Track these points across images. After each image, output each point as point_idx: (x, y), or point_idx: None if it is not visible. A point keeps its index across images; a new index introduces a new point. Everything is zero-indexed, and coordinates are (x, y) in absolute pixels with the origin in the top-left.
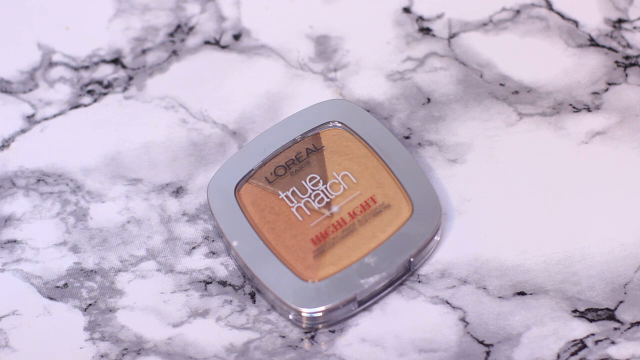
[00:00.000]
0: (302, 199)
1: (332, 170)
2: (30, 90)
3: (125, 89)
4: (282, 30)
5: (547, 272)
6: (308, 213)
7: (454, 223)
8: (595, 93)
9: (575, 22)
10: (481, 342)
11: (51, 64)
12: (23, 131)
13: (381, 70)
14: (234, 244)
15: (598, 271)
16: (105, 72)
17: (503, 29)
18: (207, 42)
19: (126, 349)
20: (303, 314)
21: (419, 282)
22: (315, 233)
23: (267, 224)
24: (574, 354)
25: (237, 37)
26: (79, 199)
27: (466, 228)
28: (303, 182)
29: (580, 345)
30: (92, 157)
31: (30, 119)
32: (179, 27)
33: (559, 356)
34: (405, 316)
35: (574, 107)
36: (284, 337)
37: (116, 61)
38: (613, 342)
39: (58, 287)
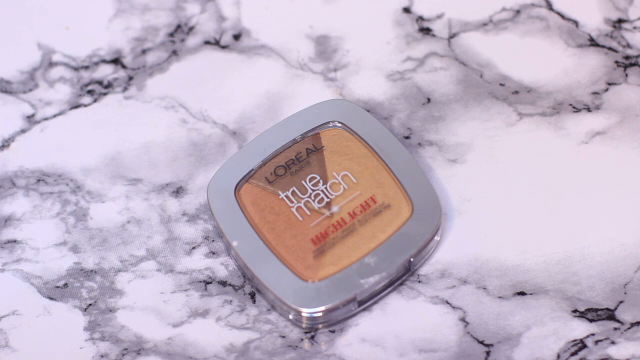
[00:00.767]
0: (302, 199)
1: (332, 170)
2: (30, 90)
3: (125, 89)
4: (282, 30)
5: (547, 272)
6: (308, 213)
7: (454, 223)
8: (595, 93)
9: (575, 22)
10: (481, 342)
11: (51, 64)
12: (23, 131)
13: (381, 70)
14: (234, 244)
15: (598, 271)
16: (105, 72)
17: (503, 29)
18: (207, 42)
19: (126, 349)
20: (303, 314)
21: (419, 282)
22: (315, 233)
23: (267, 224)
24: (574, 354)
25: (237, 37)
26: (79, 199)
27: (466, 228)
28: (303, 182)
29: (580, 345)
30: (92, 157)
31: (30, 119)
32: (179, 27)
33: (559, 356)
34: (405, 316)
35: (574, 107)
36: (284, 337)
37: (116, 61)
38: (613, 342)
39: (58, 287)
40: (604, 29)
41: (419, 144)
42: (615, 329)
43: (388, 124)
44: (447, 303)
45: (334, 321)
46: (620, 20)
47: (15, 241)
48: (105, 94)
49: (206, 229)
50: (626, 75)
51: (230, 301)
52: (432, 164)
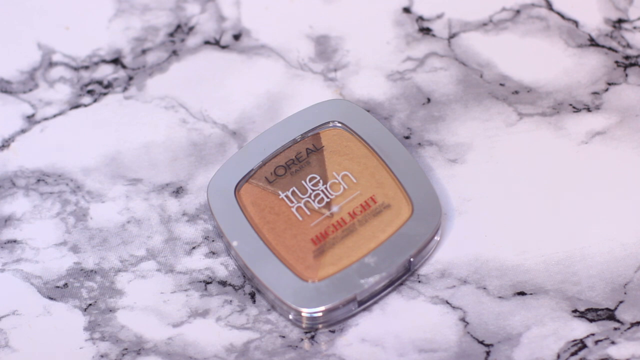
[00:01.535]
0: (302, 199)
1: (332, 170)
2: (30, 90)
3: (125, 89)
4: (282, 30)
5: (547, 272)
6: (308, 213)
7: (454, 223)
8: (595, 93)
9: (575, 22)
10: (481, 342)
11: (51, 64)
12: (23, 131)
13: (381, 70)
14: (234, 244)
15: (598, 271)
16: (105, 72)
17: (503, 29)
18: (207, 42)
19: (126, 349)
20: (303, 314)
21: (419, 282)
22: (315, 233)
23: (267, 224)
24: (574, 354)
25: (237, 37)
26: (79, 199)
27: (466, 228)
28: (303, 182)
29: (580, 345)
30: (92, 157)
31: (30, 119)
32: (179, 27)
33: (559, 356)
34: (405, 316)
35: (574, 107)
36: (284, 337)
37: (116, 61)
38: (613, 342)
39: (58, 287)
40: (604, 29)
41: (419, 144)
42: (615, 329)
43: (388, 124)
44: (447, 303)
45: (334, 321)
46: (620, 20)
47: (15, 241)
48: (105, 94)
49: (206, 229)
50: (626, 75)
51: (230, 301)
52: (432, 164)
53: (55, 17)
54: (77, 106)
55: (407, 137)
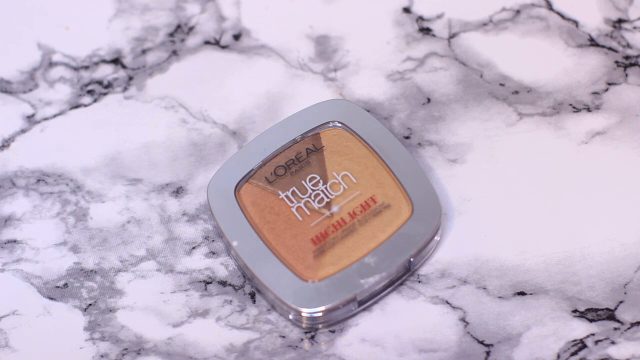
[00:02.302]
0: (302, 199)
1: (332, 170)
2: (30, 90)
3: (125, 89)
4: (282, 30)
5: (547, 272)
6: (308, 213)
7: (454, 223)
8: (595, 93)
9: (575, 22)
10: (481, 342)
11: (51, 64)
12: (23, 131)
13: (381, 70)
14: (234, 244)
15: (598, 271)
16: (105, 72)
17: (503, 29)
18: (207, 42)
19: (126, 349)
20: (303, 314)
21: (419, 282)
22: (315, 233)
23: (267, 224)
24: (574, 354)
25: (237, 37)
26: (79, 199)
27: (466, 228)
28: (303, 182)
29: (580, 345)
30: (92, 157)
31: (30, 119)
32: (179, 27)
33: (559, 356)
34: (405, 316)
35: (574, 107)
36: (284, 337)
37: (116, 61)
38: (613, 342)
39: (58, 287)
40: (604, 29)
41: (419, 144)
42: (615, 329)
43: (388, 124)
44: (447, 303)
45: (334, 321)
46: (620, 20)
47: (15, 241)
48: (105, 94)
49: (206, 229)
50: (626, 75)
51: (230, 301)
52: (432, 164)
53: (55, 17)
54: (77, 106)
55: (407, 137)
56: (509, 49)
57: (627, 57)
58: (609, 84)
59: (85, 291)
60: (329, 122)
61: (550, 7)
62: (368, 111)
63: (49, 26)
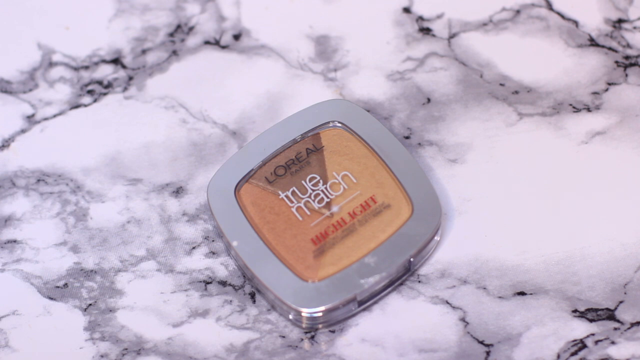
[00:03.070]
0: (302, 199)
1: (332, 170)
2: (30, 90)
3: (125, 89)
4: (282, 30)
5: (547, 272)
6: (308, 213)
7: (454, 223)
8: (595, 93)
9: (575, 22)
10: (481, 342)
11: (51, 64)
12: (23, 131)
13: (381, 70)
14: (234, 244)
15: (598, 271)
16: (105, 72)
17: (503, 29)
18: (207, 42)
19: (126, 349)
20: (303, 314)
21: (419, 282)
22: (315, 233)
23: (267, 224)
24: (574, 354)
25: (237, 37)
26: (79, 199)
27: (466, 228)
28: (303, 182)
29: (580, 345)
30: (92, 157)
31: (30, 119)
32: (179, 27)
33: (559, 356)
34: (405, 316)
35: (574, 107)
36: (284, 337)
37: (116, 61)
38: (613, 342)
39: (58, 287)
40: (604, 29)
41: (419, 144)
42: (615, 329)
43: (388, 124)
44: (447, 303)
45: (334, 321)
46: (620, 20)
47: (15, 241)
48: (105, 94)
49: (206, 229)
50: (626, 75)
51: (230, 301)
52: (432, 164)
53: (55, 17)
54: (77, 106)
55: (407, 137)
56: (509, 49)
57: (627, 57)
58: (609, 84)
59: (85, 291)
60: (329, 122)
61: (550, 7)
62: (368, 111)
63: (49, 26)
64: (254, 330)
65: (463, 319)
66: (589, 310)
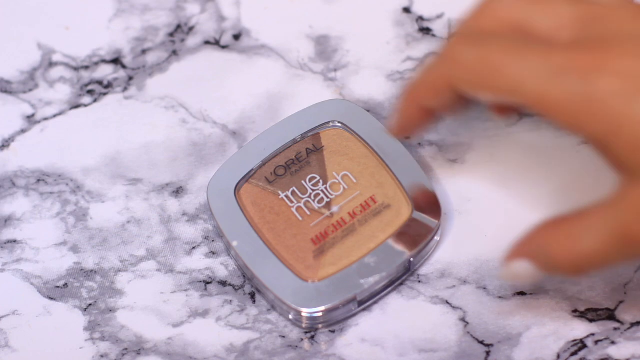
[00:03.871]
0: (302, 199)
1: (332, 170)
2: (30, 90)
3: (125, 89)
4: (282, 30)
5: None
6: (308, 213)
7: (454, 223)
8: None
9: None
10: (481, 342)
11: (51, 64)
12: (23, 131)
13: (381, 70)
14: (234, 244)
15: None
16: (105, 72)
17: None
18: (207, 42)
19: (126, 349)
20: (303, 314)
21: (419, 282)
22: (315, 233)
23: (267, 224)
24: (574, 354)
25: (237, 37)
26: (79, 199)
27: (466, 228)
28: (303, 182)
29: (580, 345)
30: (92, 157)
31: (30, 119)
32: (179, 27)
33: (559, 356)
34: (405, 316)
35: None
36: (284, 337)
37: (116, 61)
38: (613, 342)
39: (58, 287)
40: None
41: (419, 144)
42: (616, 329)
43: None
44: (447, 303)
45: (334, 321)
46: None
47: (15, 241)
48: (105, 94)
49: (206, 229)
50: None
51: (230, 301)
52: (432, 164)
53: (55, 17)
54: (77, 106)
55: (407, 137)
56: None
57: None
58: None
59: (85, 291)
60: (329, 122)
61: None
62: (368, 111)
63: (49, 26)
64: (254, 330)
65: (463, 319)
66: (589, 310)
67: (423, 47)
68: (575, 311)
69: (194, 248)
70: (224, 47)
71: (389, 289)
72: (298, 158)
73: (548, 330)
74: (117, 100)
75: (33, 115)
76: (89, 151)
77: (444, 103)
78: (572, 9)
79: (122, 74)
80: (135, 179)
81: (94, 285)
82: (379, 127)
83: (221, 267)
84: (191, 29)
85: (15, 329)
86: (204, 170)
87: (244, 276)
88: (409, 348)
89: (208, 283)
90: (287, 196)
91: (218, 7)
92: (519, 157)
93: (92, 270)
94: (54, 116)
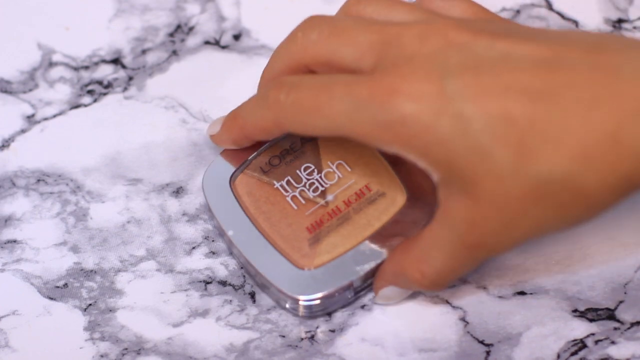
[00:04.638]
0: (297, 188)
1: (327, 160)
2: (30, 90)
3: (125, 89)
4: (282, 30)
5: (547, 271)
6: (303, 202)
7: None
8: None
9: (575, 22)
10: (481, 342)
11: (51, 64)
12: (23, 131)
13: None
14: (230, 233)
15: (598, 271)
16: (105, 72)
17: None
18: (207, 42)
19: (126, 348)
20: (300, 302)
21: None
22: (310, 222)
23: (262, 214)
24: (574, 353)
25: (237, 37)
26: (79, 199)
27: None
28: (298, 171)
29: (580, 345)
30: (92, 157)
31: (30, 119)
32: (179, 27)
33: (559, 356)
34: (405, 316)
35: None
36: (284, 336)
37: (116, 61)
38: (613, 342)
39: (58, 287)
40: (604, 29)
41: None
42: (616, 328)
43: None
44: (447, 302)
45: (331, 309)
46: (620, 20)
47: (15, 241)
48: (105, 94)
49: (206, 229)
50: None
51: (230, 301)
52: None
53: (55, 17)
54: (77, 106)
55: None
56: None
57: None
58: None
59: (85, 291)
60: None
61: (550, 7)
62: None
63: (49, 26)
64: (254, 330)
65: (463, 319)
66: (589, 310)
67: None
68: (575, 311)
69: (193, 248)
70: (224, 47)
71: None
72: (292, 148)
73: (548, 330)
74: (117, 100)
75: (33, 115)
76: (89, 151)
77: (276, 135)
78: (368, 37)
79: (122, 74)
80: (135, 179)
81: (93, 285)
82: None
83: (221, 267)
84: (191, 29)
85: (15, 329)
86: (203, 170)
87: (242, 270)
88: (409, 347)
89: (208, 283)
90: (282, 186)
91: (218, 7)
92: None
93: (92, 270)
94: (54, 116)
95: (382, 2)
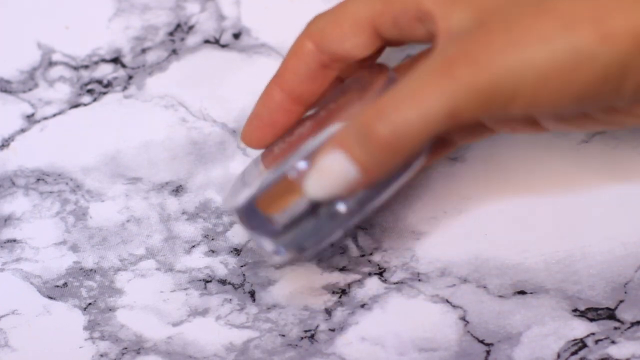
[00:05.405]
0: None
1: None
2: (30, 89)
3: (125, 88)
4: (282, 29)
5: (548, 271)
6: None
7: (454, 222)
8: None
9: None
10: (481, 342)
11: (51, 64)
12: (23, 131)
13: None
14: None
15: (598, 270)
16: (105, 71)
17: None
18: (207, 41)
19: (126, 348)
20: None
21: (419, 280)
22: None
23: None
24: (574, 353)
25: (237, 36)
26: (79, 198)
27: (466, 227)
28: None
29: (580, 344)
30: (92, 156)
31: (30, 119)
32: (178, 26)
33: (559, 355)
34: (405, 315)
35: None
36: (283, 335)
37: (116, 60)
38: (613, 342)
39: (57, 286)
40: None
41: None
42: (616, 328)
43: None
44: (447, 302)
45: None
46: None
47: (14, 240)
48: (105, 93)
49: (206, 227)
50: None
51: (230, 300)
52: (432, 162)
53: (55, 16)
54: (76, 105)
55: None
56: None
57: None
58: None
59: (85, 290)
60: None
61: None
62: None
63: (49, 25)
64: (254, 329)
65: (463, 318)
66: (589, 309)
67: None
68: (575, 310)
69: (193, 247)
70: (223, 46)
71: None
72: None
73: (548, 330)
74: (117, 100)
75: (33, 114)
76: (88, 150)
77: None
78: None
79: (121, 73)
80: (135, 178)
81: (93, 285)
82: None
83: (221, 266)
84: (191, 28)
85: (14, 328)
86: (203, 168)
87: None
88: (409, 347)
89: (208, 282)
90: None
91: (218, 6)
92: (519, 156)
93: (91, 270)
94: (54, 115)
95: None
